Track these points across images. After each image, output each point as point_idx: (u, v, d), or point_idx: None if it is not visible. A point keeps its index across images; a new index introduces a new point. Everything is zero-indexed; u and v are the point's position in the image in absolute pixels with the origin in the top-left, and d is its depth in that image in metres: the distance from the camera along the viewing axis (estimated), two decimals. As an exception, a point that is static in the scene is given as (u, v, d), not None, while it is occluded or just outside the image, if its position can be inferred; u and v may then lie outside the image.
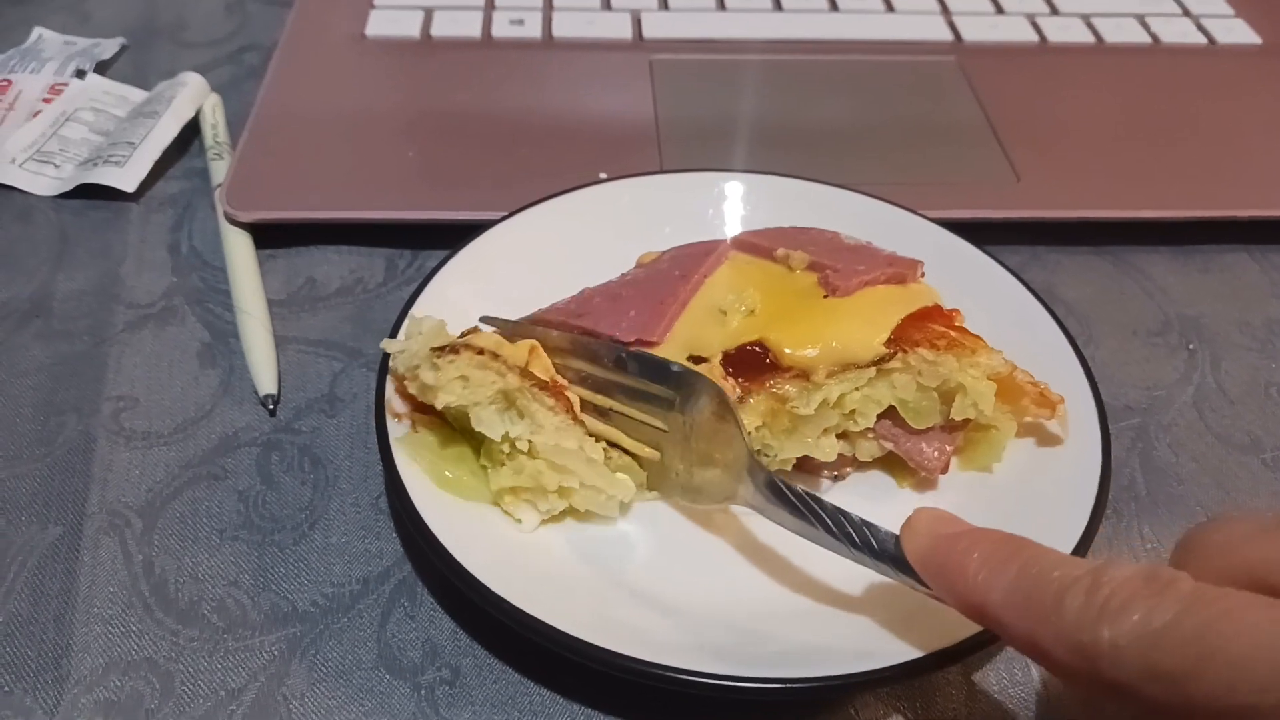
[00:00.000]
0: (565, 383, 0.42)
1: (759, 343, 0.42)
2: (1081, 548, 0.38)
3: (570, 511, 0.42)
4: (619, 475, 0.42)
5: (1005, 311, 0.47)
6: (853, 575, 0.39)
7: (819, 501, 0.37)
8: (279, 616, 0.40)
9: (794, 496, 0.37)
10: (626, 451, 0.42)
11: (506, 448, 0.40)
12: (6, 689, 0.38)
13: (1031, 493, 0.42)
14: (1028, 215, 0.57)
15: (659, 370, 0.41)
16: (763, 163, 0.55)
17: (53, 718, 0.37)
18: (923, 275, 0.46)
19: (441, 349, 0.40)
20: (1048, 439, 0.44)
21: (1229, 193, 0.59)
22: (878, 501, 0.44)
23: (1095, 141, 0.63)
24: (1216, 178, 0.60)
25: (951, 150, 0.61)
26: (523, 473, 0.40)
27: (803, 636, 0.38)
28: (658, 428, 0.41)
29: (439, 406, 0.40)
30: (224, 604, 0.40)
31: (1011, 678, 0.40)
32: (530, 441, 0.40)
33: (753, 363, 0.42)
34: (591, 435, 0.42)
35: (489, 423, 0.40)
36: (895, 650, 0.36)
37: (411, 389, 0.41)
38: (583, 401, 0.42)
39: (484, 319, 0.45)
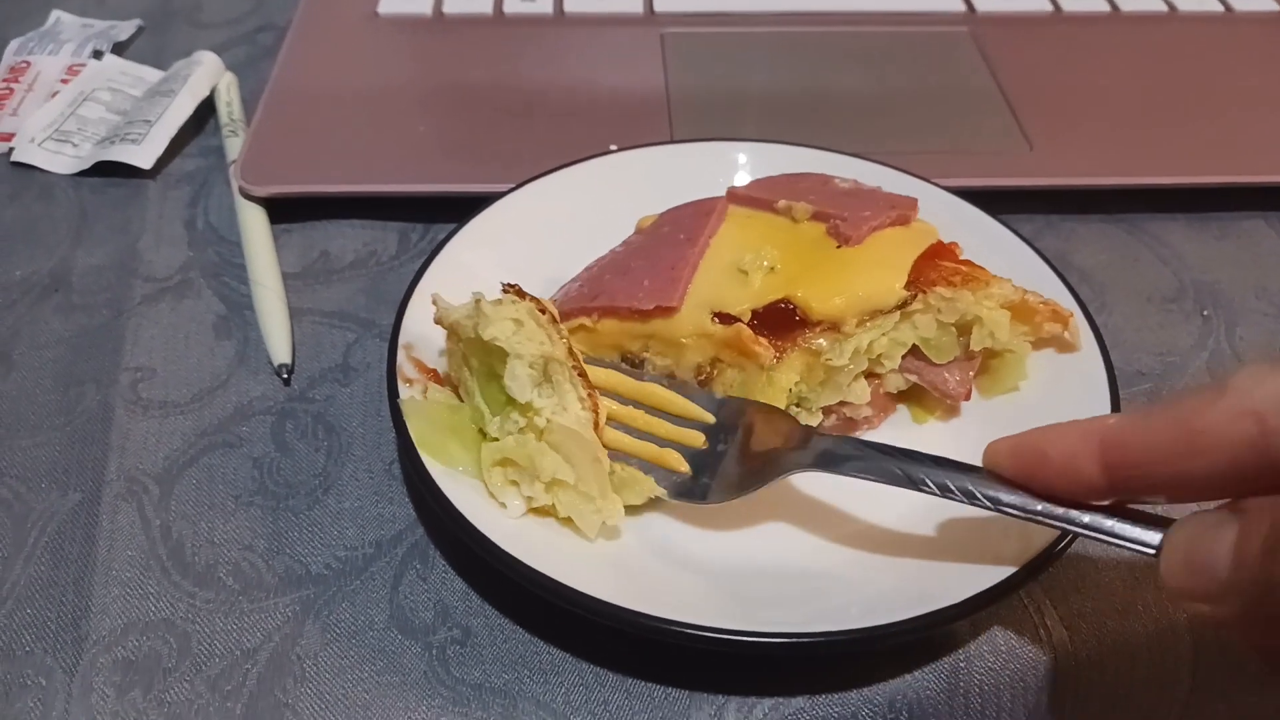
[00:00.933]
0: (597, 392, 0.40)
1: (785, 300, 0.42)
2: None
3: (549, 510, 0.40)
4: (613, 494, 0.40)
5: (1018, 278, 0.47)
6: (855, 535, 0.39)
7: (884, 451, 0.38)
8: (293, 579, 0.41)
9: (857, 451, 0.38)
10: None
11: (521, 420, 0.39)
12: (28, 649, 0.38)
13: (1051, 416, 0.42)
14: (1041, 183, 0.57)
15: (702, 400, 0.41)
16: (774, 134, 0.55)
17: (72, 677, 0.38)
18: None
19: (507, 292, 0.39)
20: (1063, 359, 0.45)
21: (1245, 159, 0.59)
22: (906, 435, 0.45)
23: (1109, 110, 0.62)
24: (1233, 144, 0.60)
25: (964, 120, 0.61)
26: (524, 449, 0.39)
27: (810, 594, 0.38)
28: (694, 446, 0.41)
29: (485, 336, 0.38)
30: (239, 567, 0.41)
31: (1020, 638, 0.40)
32: (547, 421, 0.39)
33: (783, 320, 0.42)
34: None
35: (521, 381, 0.38)
36: (901, 608, 0.36)
37: (451, 324, 0.40)
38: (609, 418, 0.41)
39: (506, 286, 0.44)
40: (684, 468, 0.40)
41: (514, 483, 0.40)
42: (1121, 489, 0.32)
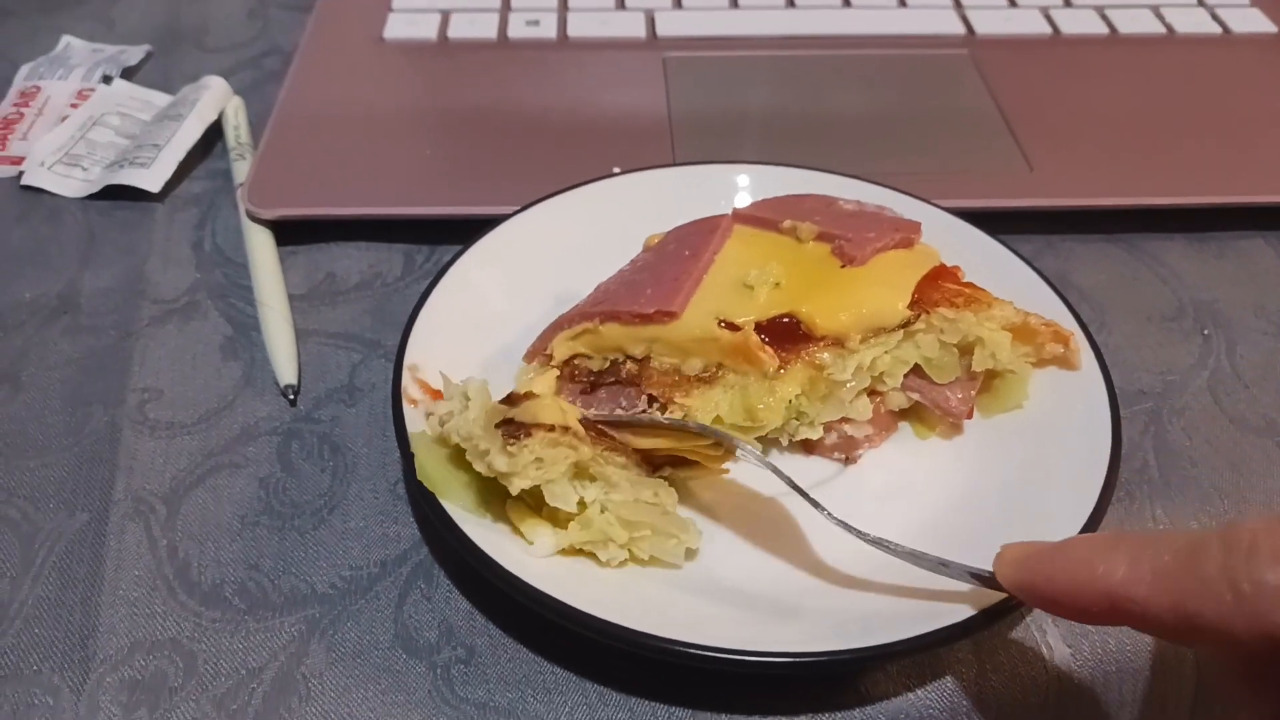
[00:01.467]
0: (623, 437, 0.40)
1: (790, 314, 0.43)
2: (1108, 484, 0.40)
3: (631, 559, 0.40)
4: (687, 522, 0.40)
5: (1018, 298, 0.47)
6: (858, 554, 0.39)
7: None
8: (298, 598, 0.41)
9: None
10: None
11: (577, 509, 0.40)
12: (35, 669, 0.39)
13: (1053, 433, 0.44)
14: (1041, 204, 0.57)
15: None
16: (776, 156, 0.56)
17: (79, 696, 0.38)
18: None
19: (510, 430, 0.38)
20: (1064, 377, 0.46)
21: (1244, 179, 0.59)
22: (907, 453, 0.46)
23: (1109, 131, 0.63)
24: (1231, 165, 0.60)
25: (964, 141, 0.62)
26: (590, 527, 0.39)
27: (812, 613, 0.38)
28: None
29: (514, 492, 0.38)
30: (245, 586, 0.41)
31: (1023, 656, 0.40)
32: (602, 508, 0.39)
33: (787, 333, 0.43)
34: (662, 476, 0.41)
35: (563, 496, 0.39)
36: (903, 626, 0.36)
37: (476, 465, 0.38)
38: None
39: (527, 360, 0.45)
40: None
41: (589, 548, 0.40)
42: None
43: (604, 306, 0.45)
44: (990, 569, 0.35)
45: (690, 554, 0.41)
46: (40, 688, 0.38)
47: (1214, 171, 0.59)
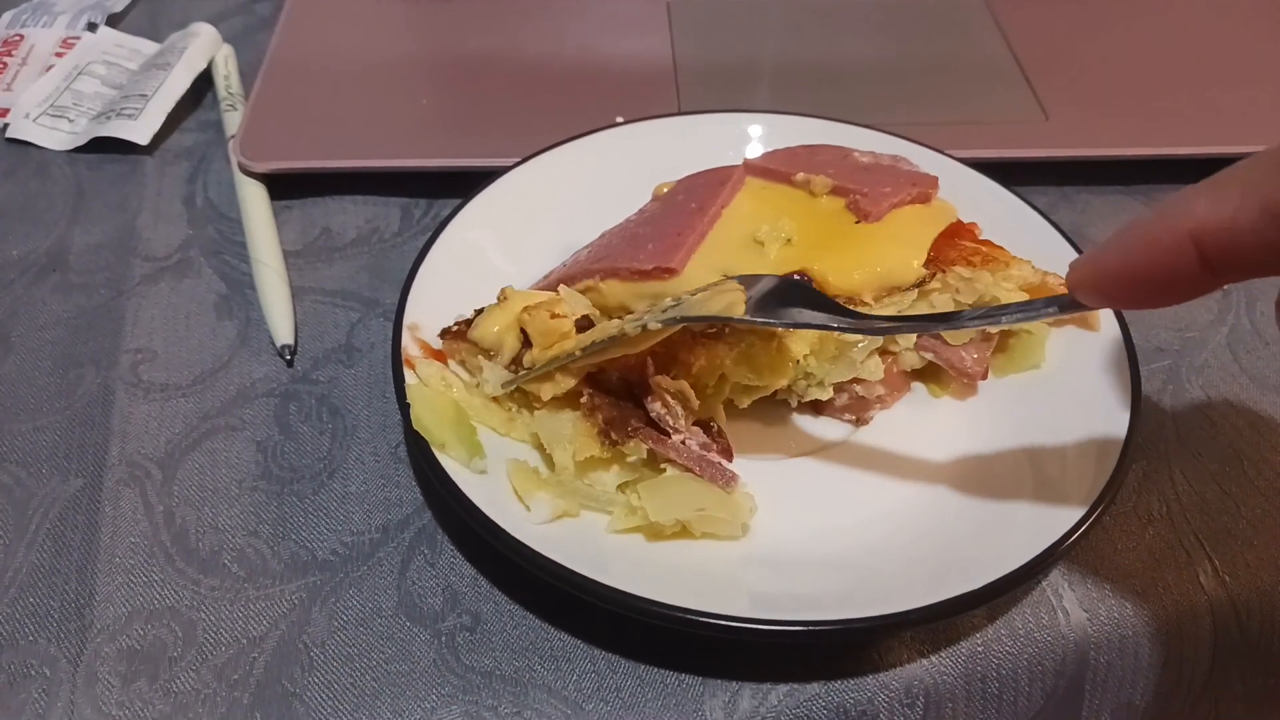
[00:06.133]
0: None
1: (801, 272, 0.41)
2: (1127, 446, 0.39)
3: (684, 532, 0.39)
4: (737, 497, 0.39)
5: (1033, 253, 0.46)
6: (869, 521, 0.39)
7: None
8: (299, 565, 0.40)
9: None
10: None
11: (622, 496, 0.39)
12: (31, 638, 0.38)
13: (1069, 393, 0.43)
14: (1056, 154, 0.55)
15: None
16: (784, 104, 0.54)
17: (76, 666, 0.37)
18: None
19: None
20: (1082, 335, 0.44)
21: (1266, 129, 0.57)
22: (919, 414, 0.44)
23: (1127, 79, 0.61)
24: (1253, 113, 0.58)
25: (978, 89, 0.60)
26: (636, 513, 0.39)
27: (824, 581, 0.38)
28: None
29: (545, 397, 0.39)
30: (244, 553, 0.40)
31: (1038, 622, 0.39)
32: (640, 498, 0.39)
33: None
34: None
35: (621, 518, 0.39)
36: (917, 594, 0.35)
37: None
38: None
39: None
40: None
41: (548, 490, 0.39)
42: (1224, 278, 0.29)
43: (605, 263, 0.44)
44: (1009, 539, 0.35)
45: (745, 529, 0.39)
46: (36, 657, 0.37)
47: (1235, 121, 0.58)
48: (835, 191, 0.44)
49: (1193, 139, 0.56)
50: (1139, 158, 0.56)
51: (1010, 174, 0.50)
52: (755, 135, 0.52)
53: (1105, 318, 0.44)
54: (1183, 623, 0.40)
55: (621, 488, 0.39)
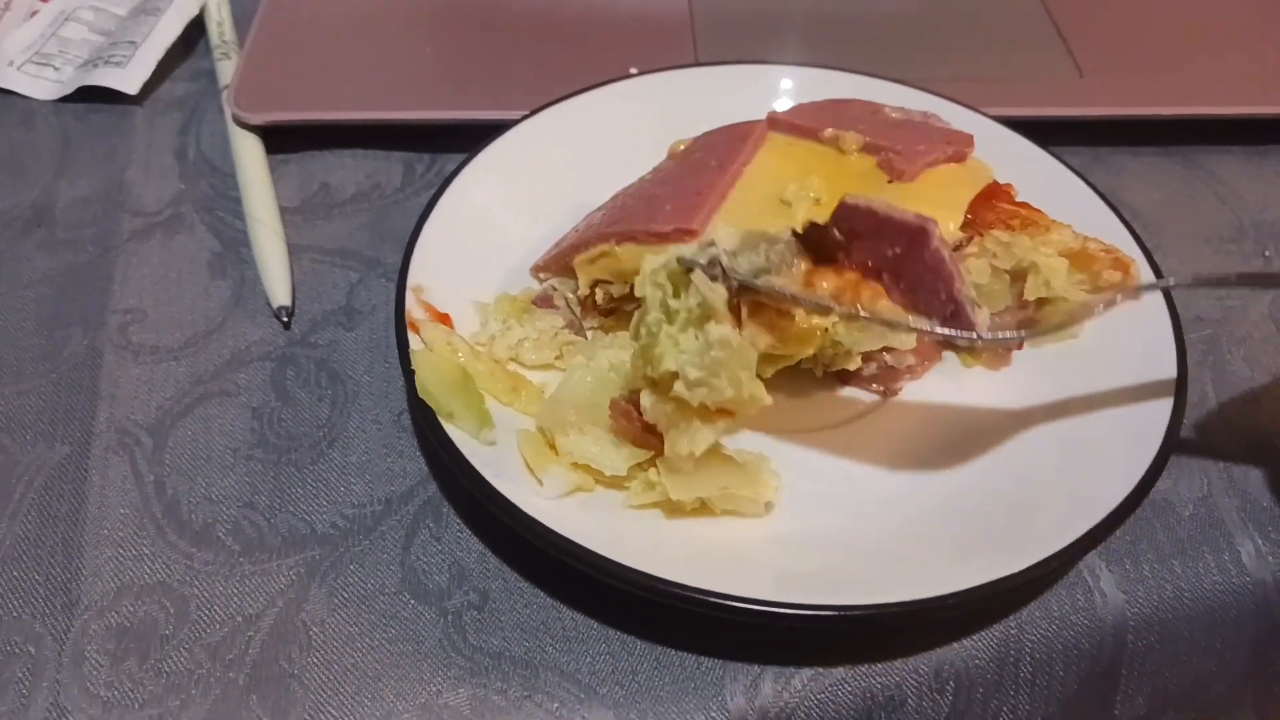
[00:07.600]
0: None
1: None
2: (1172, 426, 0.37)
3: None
4: (762, 478, 0.37)
5: (1070, 217, 0.44)
6: (897, 501, 0.37)
7: None
8: (297, 539, 0.38)
9: None
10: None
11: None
12: (15, 614, 0.36)
13: (1107, 366, 0.41)
14: (1092, 113, 0.53)
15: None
16: (807, 57, 0.52)
17: (63, 644, 0.35)
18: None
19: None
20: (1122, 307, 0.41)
21: (1309, 88, 0.55)
22: (950, 385, 0.42)
23: (1163, 35, 0.59)
24: (1296, 72, 0.56)
25: (1011, 44, 0.58)
26: (655, 488, 0.36)
27: (853, 562, 0.36)
28: None
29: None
30: (239, 526, 0.38)
31: (1074, 603, 0.37)
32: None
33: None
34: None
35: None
36: (951, 578, 0.33)
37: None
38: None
39: None
40: None
41: (561, 463, 0.37)
42: None
43: (620, 226, 0.41)
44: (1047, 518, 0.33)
45: (768, 507, 0.38)
46: (21, 635, 0.35)
47: (1275, 79, 0.55)
48: (866, 149, 0.41)
49: (1233, 98, 0.54)
50: (1177, 117, 0.54)
51: (1042, 133, 0.48)
52: (778, 89, 0.50)
53: (1146, 287, 0.42)
54: (1224, 606, 0.38)
55: (636, 468, 0.37)
